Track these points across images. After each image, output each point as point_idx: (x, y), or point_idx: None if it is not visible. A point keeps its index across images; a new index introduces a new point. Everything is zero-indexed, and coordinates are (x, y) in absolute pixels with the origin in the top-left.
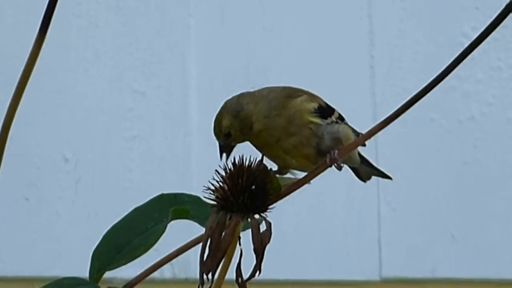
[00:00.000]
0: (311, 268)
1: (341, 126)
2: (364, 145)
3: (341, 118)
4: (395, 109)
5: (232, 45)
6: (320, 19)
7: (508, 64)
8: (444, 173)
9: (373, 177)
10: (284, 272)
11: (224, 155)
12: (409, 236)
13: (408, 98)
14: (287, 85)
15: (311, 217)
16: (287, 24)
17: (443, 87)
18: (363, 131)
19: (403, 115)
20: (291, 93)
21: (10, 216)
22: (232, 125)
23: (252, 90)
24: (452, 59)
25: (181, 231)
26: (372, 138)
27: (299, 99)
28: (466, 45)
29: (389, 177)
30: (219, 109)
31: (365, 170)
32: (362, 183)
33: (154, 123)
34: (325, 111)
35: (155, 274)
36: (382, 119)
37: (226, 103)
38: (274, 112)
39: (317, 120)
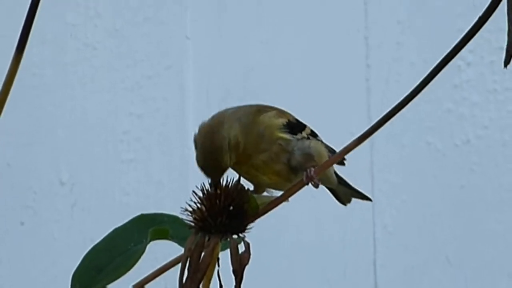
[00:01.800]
0: None
1: (313, 142)
2: (343, 164)
3: (313, 134)
4: (371, 125)
5: (230, 65)
6: (317, 31)
7: (504, 86)
8: (440, 196)
9: (369, 201)
10: None
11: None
12: (405, 259)
13: (384, 114)
14: (283, 100)
15: (308, 240)
16: (283, 39)
17: (439, 110)
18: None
19: (400, 139)
20: (260, 109)
21: (5, 240)
22: (230, 157)
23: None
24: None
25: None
26: (368, 161)
27: (267, 115)
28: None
29: (369, 199)
30: (204, 156)
31: (344, 192)
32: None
33: (151, 146)
34: (295, 126)
35: None
36: (358, 135)
37: (211, 145)
38: (246, 128)
39: (286, 135)
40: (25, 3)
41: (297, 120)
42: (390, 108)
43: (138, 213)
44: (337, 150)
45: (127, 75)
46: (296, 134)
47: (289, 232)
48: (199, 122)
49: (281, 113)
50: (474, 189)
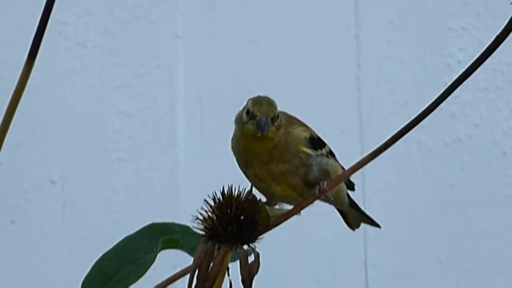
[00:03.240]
0: None
1: (331, 160)
2: (353, 189)
3: (331, 154)
4: (384, 141)
5: (220, 64)
6: (307, 30)
7: (495, 85)
8: (431, 195)
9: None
10: None
11: (267, 128)
12: (396, 259)
13: (398, 130)
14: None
15: (298, 238)
16: (273, 38)
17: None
18: (348, 142)
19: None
20: (288, 119)
21: None
22: (280, 116)
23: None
24: (445, 87)
25: (169, 261)
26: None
27: (298, 128)
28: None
29: (378, 226)
30: (263, 97)
31: (354, 215)
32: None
33: (142, 145)
34: (317, 142)
35: None
36: (370, 151)
37: (269, 98)
38: (281, 132)
39: (308, 150)
40: (32, 9)
41: (318, 137)
42: (413, 117)
43: (128, 212)
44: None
45: (117, 73)
46: (316, 150)
47: (280, 231)
48: (190, 121)
49: (305, 127)
50: (465, 188)
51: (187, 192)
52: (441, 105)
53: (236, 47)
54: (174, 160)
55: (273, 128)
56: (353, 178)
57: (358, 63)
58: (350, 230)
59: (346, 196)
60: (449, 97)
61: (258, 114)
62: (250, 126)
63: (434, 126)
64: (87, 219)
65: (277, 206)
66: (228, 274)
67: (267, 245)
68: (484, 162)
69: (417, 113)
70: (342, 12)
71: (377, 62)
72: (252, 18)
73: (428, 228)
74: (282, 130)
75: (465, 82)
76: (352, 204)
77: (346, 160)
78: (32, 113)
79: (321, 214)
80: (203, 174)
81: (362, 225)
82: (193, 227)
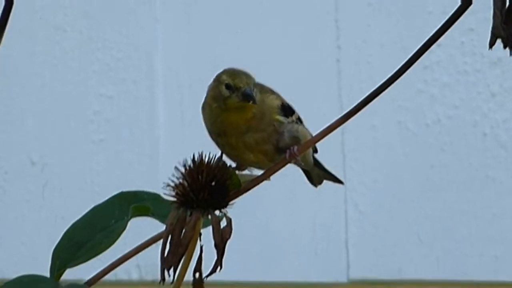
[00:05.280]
0: (278, 270)
1: (300, 127)
2: (315, 151)
3: (299, 120)
4: (354, 105)
5: (199, 47)
6: (287, 13)
7: (474, 68)
8: (411, 176)
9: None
10: (252, 274)
11: (255, 95)
12: (377, 238)
13: (369, 93)
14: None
15: (279, 219)
16: (253, 22)
17: (410, 90)
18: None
19: (370, 118)
20: (261, 89)
21: None
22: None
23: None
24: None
25: (144, 228)
26: (339, 141)
27: (270, 97)
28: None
29: (341, 182)
30: (236, 69)
31: (317, 174)
32: (319, 186)
33: (121, 127)
34: (287, 110)
35: (122, 276)
36: (339, 116)
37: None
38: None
39: (281, 118)
40: None
41: (288, 104)
42: (375, 87)
43: (108, 193)
44: (312, 132)
45: (97, 57)
46: (287, 117)
47: (260, 211)
48: (169, 103)
49: (277, 95)
50: (444, 169)
51: (166, 174)
52: (421, 86)
53: (215, 30)
54: (154, 142)
55: (258, 95)
56: (333, 157)
57: (338, 45)
58: (331, 210)
59: (312, 157)
60: (429, 79)
61: (241, 85)
62: (235, 99)
63: (414, 107)
64: (67, 200)
65: (247, 171)
66: (200, 240)
67: (247, 224)
68: (464, 143)
69: (385, 79)
70: None
71: (357, 45)
72: (231, 1)
73: (408, 208)
74: (259, 98)
75: (444, 65)
76: (316, 163)
77: (326, 139)
78: (13, 95)
79: (301, 194)
80: (183, 156)
81: (343, 206)
82: (164, 194)
